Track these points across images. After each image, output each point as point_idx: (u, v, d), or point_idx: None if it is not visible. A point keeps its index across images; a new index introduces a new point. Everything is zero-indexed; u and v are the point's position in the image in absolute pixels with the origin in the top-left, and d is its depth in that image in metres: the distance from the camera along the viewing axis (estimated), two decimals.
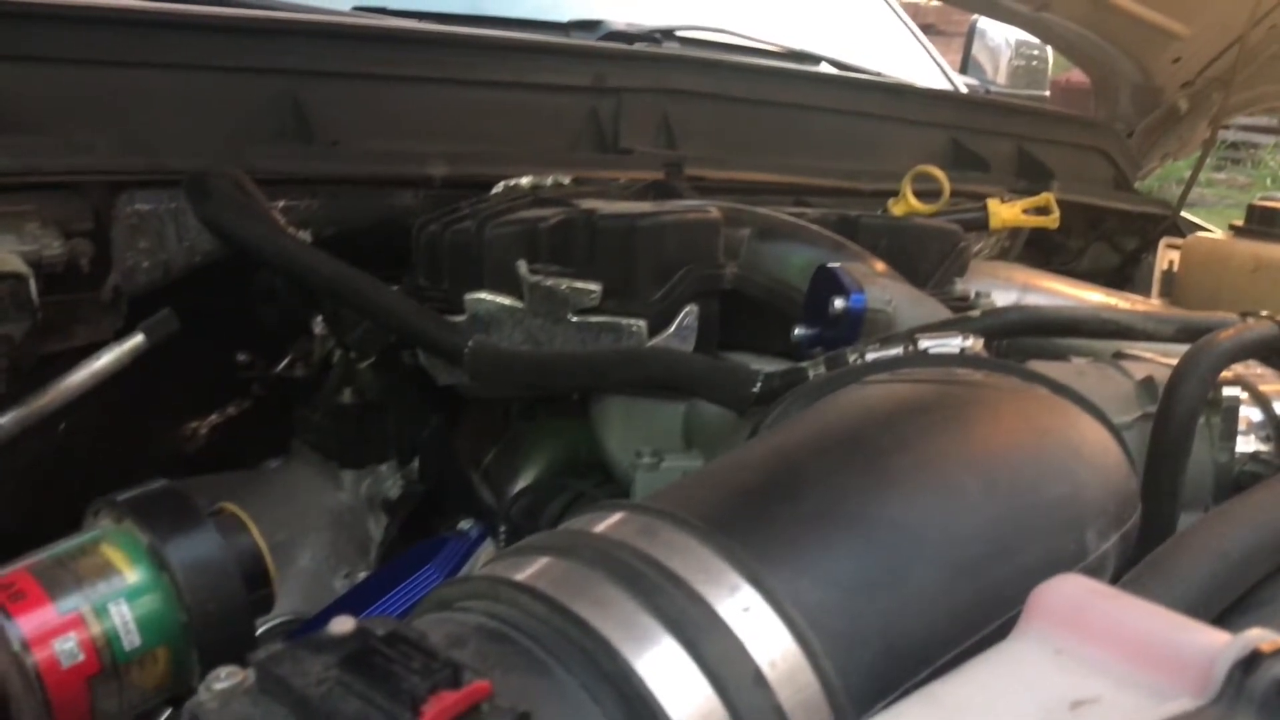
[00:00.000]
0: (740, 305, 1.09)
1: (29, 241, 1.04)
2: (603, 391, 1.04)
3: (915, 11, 3.38)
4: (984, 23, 3.20)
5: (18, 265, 1.01)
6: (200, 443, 1.44)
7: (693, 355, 1.00)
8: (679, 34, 1.81)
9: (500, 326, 1.06)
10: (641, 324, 1.03)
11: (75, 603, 0.53)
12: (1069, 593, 0.47)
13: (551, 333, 1.06)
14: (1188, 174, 2.14)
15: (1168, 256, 1.58)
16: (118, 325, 1.13)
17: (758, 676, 0.45)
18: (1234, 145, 10.61)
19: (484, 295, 1.06)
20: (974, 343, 0.75)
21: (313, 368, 1.33)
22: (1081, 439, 0.63)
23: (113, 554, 0.56)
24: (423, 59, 1.28)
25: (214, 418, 1.44)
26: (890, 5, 2.50)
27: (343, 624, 0.39)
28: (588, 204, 1.10)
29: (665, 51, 1.58)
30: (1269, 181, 10.99)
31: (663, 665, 0.44)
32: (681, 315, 1.05)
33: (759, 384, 0.89)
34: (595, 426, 1.10)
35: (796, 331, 0.99)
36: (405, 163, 1.20)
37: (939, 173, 1.29)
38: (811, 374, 0.84)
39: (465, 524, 1.11)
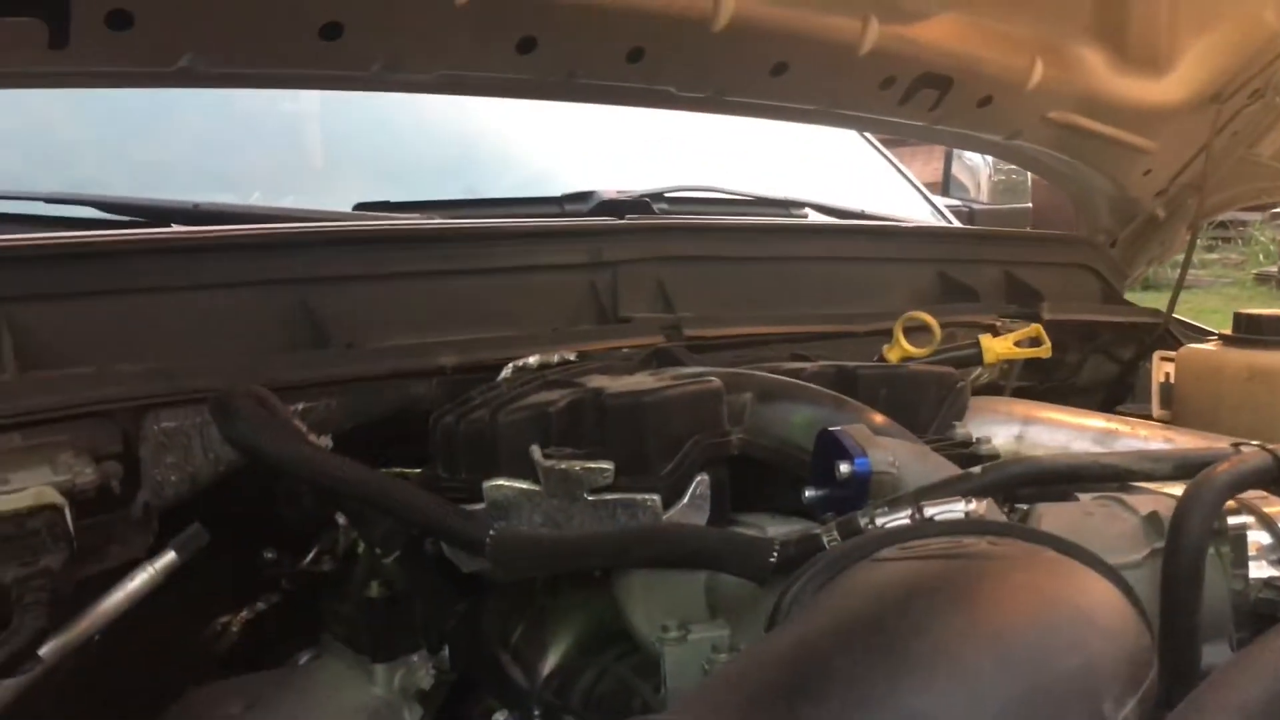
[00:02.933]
0: (749, 467, 1.12)
1: (63, 471, 1.08)
2: (625, 568, 1.06)
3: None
4: None
5: (53, 497, 1.05)
6: (231, 640, 1.45)
7: (708, 530, 1.03)
8: (668, 195, 1.89)
9: (519, 511, 1.09)
10: (655, 498, 1.06)
11: None
12: None
13: (569, 513, 1.08)
14: (1176, 272, 2.19)
15: (1163, 369, 1.62)
16: (149, 542, 1.16)
17: None
18: (1223, 224, 10.78)
19: (501, 482, 1.09)
20: (977, 505, 0.78)
21: (338, 560, 1.35)
22: (1091, 604, 0.65)
23: None
24: (428, 254, 1.34)
25: (244, 614, 1.46)
26: (867, 139, 2.60)
27: None
28: (595, 382, 1.14)
29: (656, 221, 1.66)
30: (1261, 257, 11.13)
31: None
32: (693, 485, 1.08)
33: (775, 554, 0.92)
34: (619, 601, 1.12)
35: (807, 494, 1.01)
36: (418, 356, 1.25)
37: (928, 317, 1.34)
38: (826, 540, 0.87)
39: (500, 716, 1.11)
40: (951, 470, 0.95)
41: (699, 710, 0.56)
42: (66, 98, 1.51)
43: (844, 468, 0.94)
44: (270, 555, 1.39)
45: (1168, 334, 1.98)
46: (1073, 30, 1.86)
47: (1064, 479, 0.93)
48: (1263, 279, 10.39)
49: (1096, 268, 2.05)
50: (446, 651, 1.25)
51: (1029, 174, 3.60)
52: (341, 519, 1.26)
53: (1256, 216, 10.97)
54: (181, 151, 1.64)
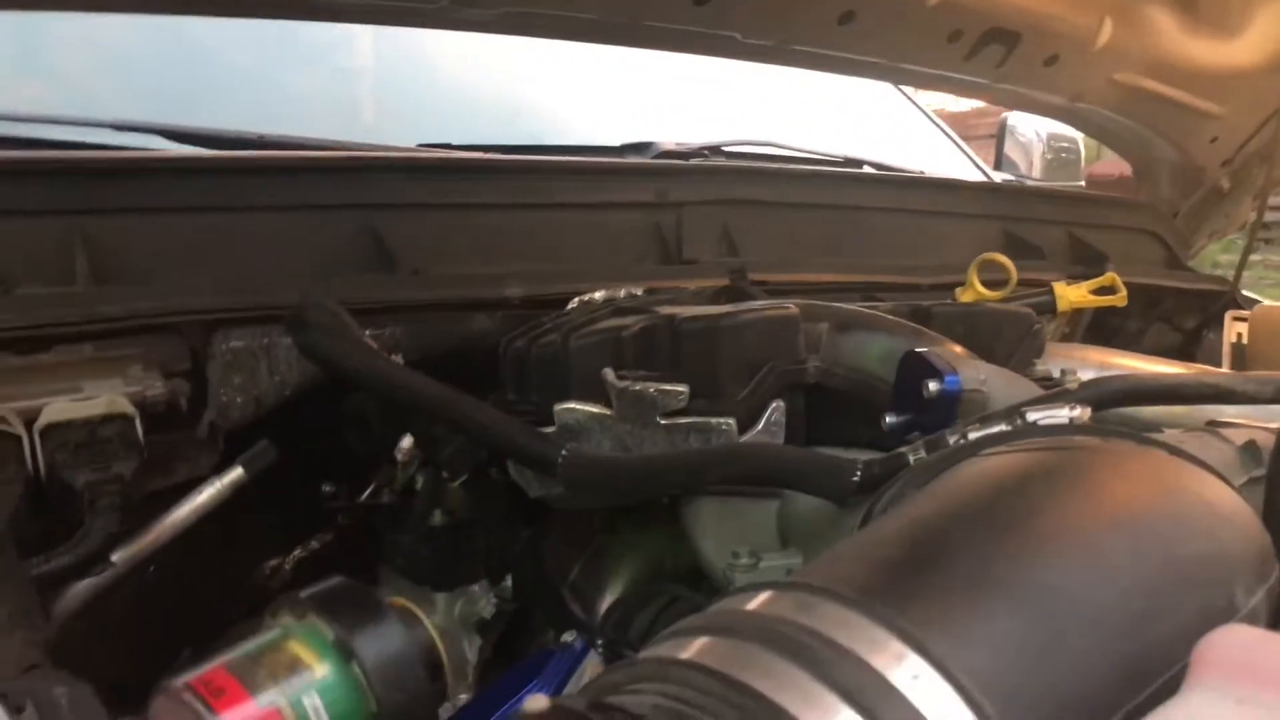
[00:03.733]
0: (825, 399, 1.10)
1: (134, 383, 1.08)
2: (699, 491, 1.04)
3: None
4: (1014, 119, 3.27)
5: (125, 406, 1.05)
6: (286, 578, 1.45)
7: (789, 448, 1.01)
8: (726, 149, 1.87)
9: (590, 435, 1.08)
10: (731, 422, 1.04)
11: (272, 697, 0.53)
12: (1241, 642, 0.47)
13: (640, 437, 1.07)
14: (1222, 257, 2.15)
15: (1235, 329, 1.58)
16: (214, 461, 1.16)
17: None
18: (1266, 225, 10.63)
19: (573, 405, 1.08)
20: (1082, 412, 0.75)
21: (397, 494, 1.34)
22: (1216, 498, 0.63)
23: (300, 649, 0.56)
24: (493, 186, 1.33)
25: (298, 552, 1.46)
26: (924, 112, 2.57)
27: (538, 701, 0.39)
28: (666, 310, 1.12)
29: (721, 164, 1.64)
30: None
31: None
32: (769, 411, 1.06)
33: (859, 473, 0.89)
34: (688, 529, 1.10)
35: (888, 419, 0.99)
36: (484, 286, 1.24)
37: (1005, 259, 1.31)
38: (912, 459, 0.84)
39: (569, 636, 1.10)
40: (1042, 393, 0.92)
41: (816, 578, 0.54)
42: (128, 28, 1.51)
43: (933, 385, 0.91)
44: (329, 489, 1.38)
45: (1233, 303, 1.94)
46: None
47: (1166, 396, 0.90)
48: None
49: (1161, 234, 2.01)
50: (508, 581, 1.24)
51: (1080, 154, 3.55)
52: (401, 453, 1.25)
53: None
54: (239, 90, 1.63)
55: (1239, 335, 1.58)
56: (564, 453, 1.04)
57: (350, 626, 0.57)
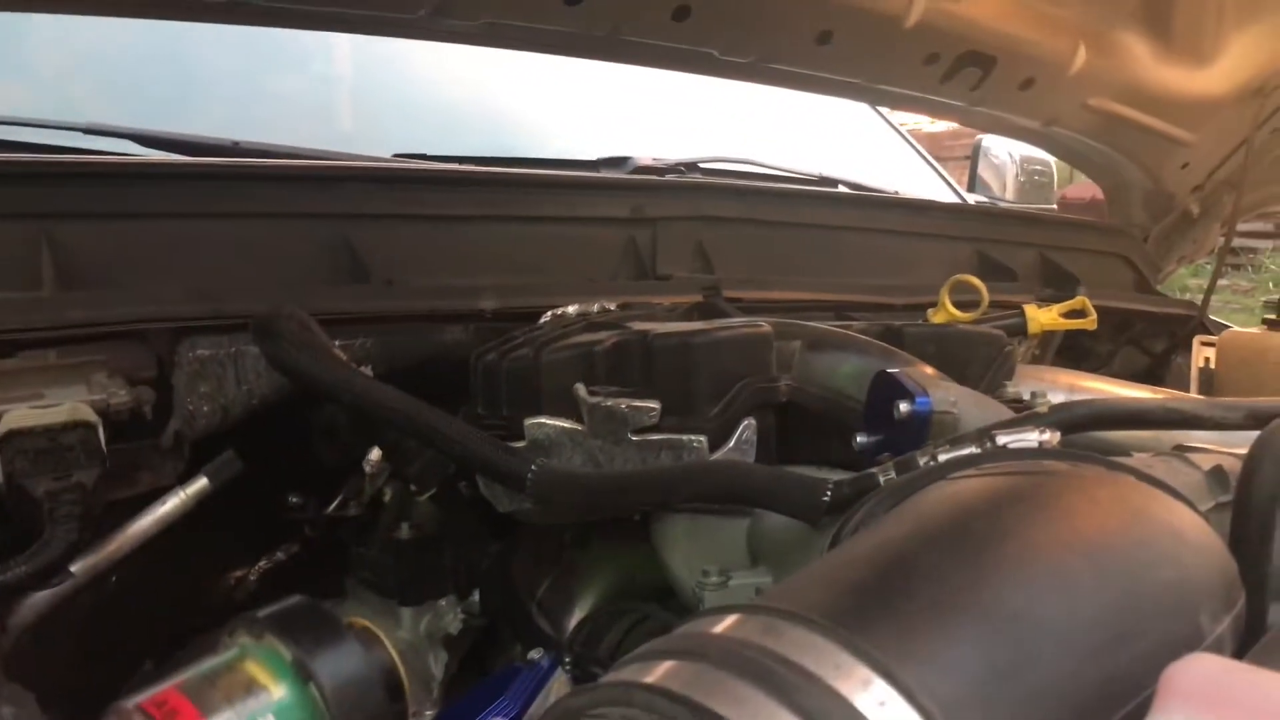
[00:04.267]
0: (797, 417, 1.10)
1: (98, 390, 1.07)
2: (670, 507, 1.04)
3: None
4: (988, 141, 3.30)
5: (88, 414, 1.03)
6: (251, 589, 1.43)
7: (760, 466, 1.01)
8: (702, 166, 1.88)
9: (560, 450, 1.07)
10: (702, 440, 1.03)
11: (226, 719, 0.52)
12: (1206, 671, 0.47)
13: (611, 453, 1.06)
14: (1191, 281, 2.18)
15: (1203, 354, 1.60)
16: (179, 470, 1.14)
17: None
18: (1234, 251, 10.75)
19: (543, 420, 1.07)
20: (1051, 436, 0.76)
21: (364, 507, 1.33)
22: (1182, 525, 0.63)
23: (256, 670, 0.55)
24: (468, 198, 1.32)
25: (263, 563, 1.44)
26: (899, 132, 2.58)
27: None
28: (640, 325, 1.12)
29: (697, 180, 1.64)
30: (1271, 285, 11.10)
31: None
32: (740, 429, 1.06)
33: (829, 494, 0.89)
34: (658, 547, 1.10)
35: (858, 439, 0.99)
36: (457, 298, 1.23)
37: (977, 281, 1.32)
38: (882, 479, 0.84)
39: (536, 653, 1.09)
40: (1012, 415, 0.93)
41: (781, 601, 0.54)
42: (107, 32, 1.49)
43: (904, 406, 0.91)
44: (296, 500, 1.37)
45: (1201, 328, 1.95)
46: (1118, 16, 1.85)
47: (1134, 421, 0.91)
48: (1272, 306, 10.34)
49: (1131, 258, 2.03)
50: (476, 596, 1.23)
51: (1053, 177, 3.58)
52: (369, 465, 1.24)
53: (1267, 244, 10.94)
54: (216, 96, 1.62)
55: (1206, 360, 1.59)
56: (533, 468, 1.03)
57: (308, 648, 0.56)
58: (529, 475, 1.03)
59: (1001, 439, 0.75)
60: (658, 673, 0.49)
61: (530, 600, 1.27)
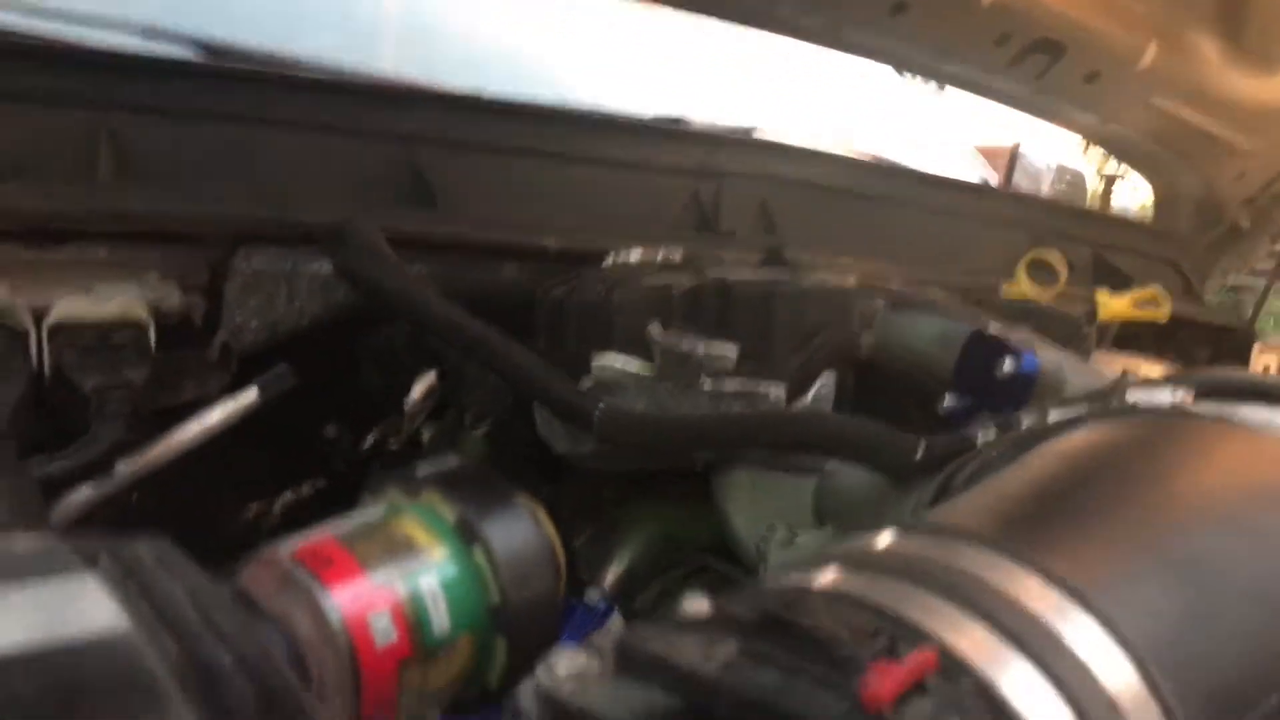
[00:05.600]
0: (874, 377, 1.06)
1: (149, 291, 1.02)
2: (744, 455, 1.00)
3: None
4: (1024, 148, 3.28)
5: (140, 313, 0.98)
6: (274, 521, 1.38)
7: (848, 418, 0.96)
8: (755, 136, 1.83)
9: (626, 392, 1.03)
10: (780, 389, 0.99)
11: (387, 576, 0.47)
12: None
13: (679, 400, 1.02)
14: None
15: (1263, 361, 1.56)
16: (224, 383, 1.10)
17: (1112, 706, 0.40)
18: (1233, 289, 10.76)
19: (612, 359, 1.03)
20: (1185, 396, 0.71)
21: (403, 445, 1.29)
22: None
23: (414, 529, 0.50)
24: (537, 133, 1.28)
25: (288, 495, 1.39)
26: (947, 130, 2.54)
27: (699, 604, 0.34)
28: (715, 272, 1.08)
29: (766, 140, 1.59)
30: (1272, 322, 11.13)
31: (1027, 693, 0.39)
32: (818, 383, 1.02)
33: (921, 451, 0.85)
34: (719, 501, 1.06)
35: (946, 402, 0.95)
36: (522, 232, 1.18)
37: (1058, 257, 1.27)
38: (982, 439, 0.80)
39: (593, 594, 1.05)
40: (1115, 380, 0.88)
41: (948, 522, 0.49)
42: None
43: (1007, 365, 0.87)
44: (333, 432, 1.32)
45: (1248, 340, 1.92)
46: (1192, 15, 1.81)
47: (1260, 394, 0.86)
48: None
49: (1181, 265, 1.99)
50: None
51: (1086, 188, 3.56)
52: (411, 402, 1.20)
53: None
54: (276, 11, 1.56)
55: (1265, 368, 1.55)
56: (601, 406, 0.99)
57: (477, 509, 0.51)
58: (596, 413, 0.98)
59: (1132, 396, 0.71)
60: (827, 578, 0.44)
61: (569, 551, 1.23)
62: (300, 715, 0.28)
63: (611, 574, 1.22)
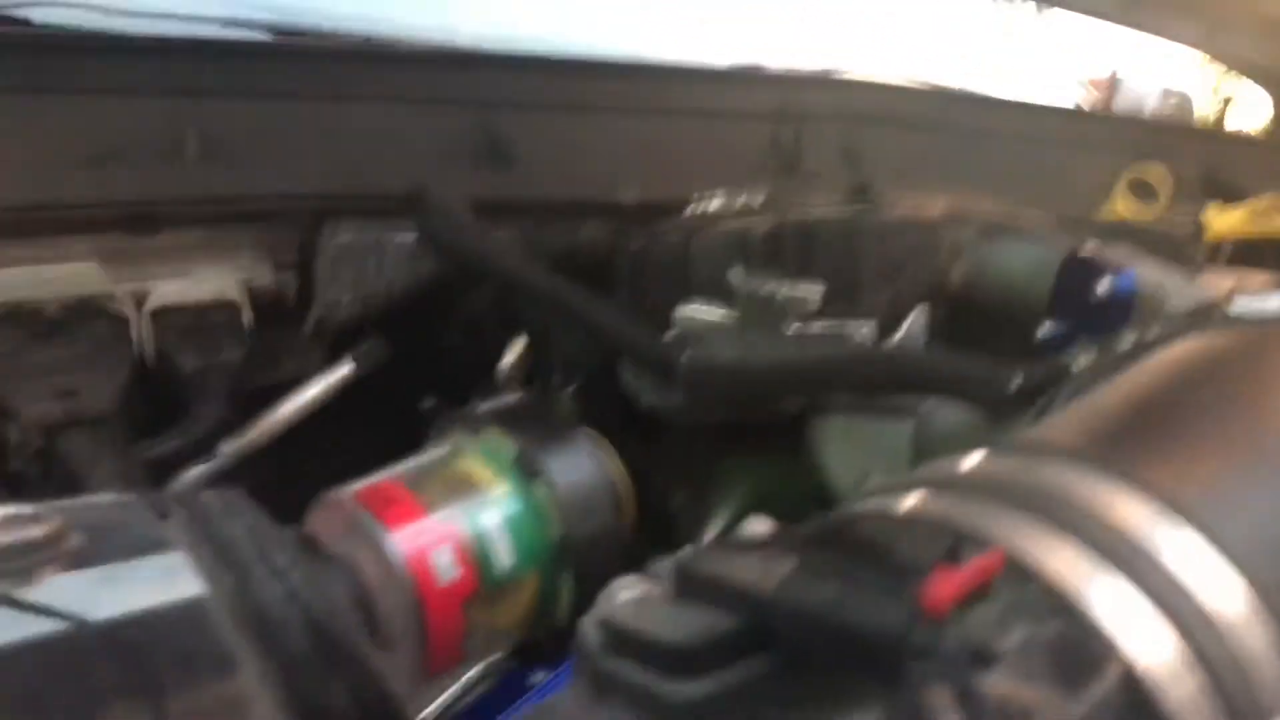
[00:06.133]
0: (967, 309, 1.02)
1: (242, 271, 1.05)
2: (837, 397, 0.98)
3: None
4: (1123, 73, 3.13)
5: (234, 293, 1.01)
6: None
7: (938, 352, 0.94)
8: (835, 76, 1.78)
9: (710, 341, 1.02)
10: (871, 327, 0.97)
11: (448, 514, 0.48)
12: None
13: (765, 345, 1.00)
14: None
15: None
16: (320, 359, 1.12)
17: (1213, 616, 0.38)
18: None
19: (695, 308, 1.02)
20: None
21: None
22: None
23: (475, 466, 0.51)
24: (608, 88, 1.27)
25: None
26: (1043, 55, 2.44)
27: (761, 525, 0.34)
28: (796, 212, 1.06)
29: (845, 78, 1.55)
30: None
31: (1108, 596, 0.37)
32: (909, 320, 0.99)
33: (1018, 380, 0.82)
34: (813, 449, 1.04)
35: (1044, 328, 0.92)
36: (599, 188, 1.18)
37: (1159, 173, 1.21)
38: (1083, 362, 0.77)
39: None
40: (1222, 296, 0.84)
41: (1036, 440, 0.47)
42: None
43: (1104, 286, 0.84)
44: (429, 402, 1.34)
45: None
46: None
47: None
48: None
49: None
50: None
51: (1193, 112, 3.38)
52: (502, 370, 1.21)
53: None
54: None
55: None
56: (686, 355, 0.98)
57: (537, 442, 0.51)
58: (681, 363, 0.98)
59: (1239, 305, 0.67)
60: (911, 502, 0.43)
61: (666, 508, 1.23)
62: (348, 646, 0.28)
63: (710, 533, 1.21)
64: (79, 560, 0.30)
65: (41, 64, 1.06)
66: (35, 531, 0.29)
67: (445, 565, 0.46)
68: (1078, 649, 0.28)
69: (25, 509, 0.31)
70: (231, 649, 0.27)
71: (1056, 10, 1.90)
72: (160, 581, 0.29)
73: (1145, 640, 0.37)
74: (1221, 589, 0.39)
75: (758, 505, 1.21)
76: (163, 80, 1.06)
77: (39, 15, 1.31)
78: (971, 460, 0.47)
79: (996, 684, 0.25)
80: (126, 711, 0.27)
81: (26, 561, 0.28)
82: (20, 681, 0.26)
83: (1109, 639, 0.36)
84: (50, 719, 0.27)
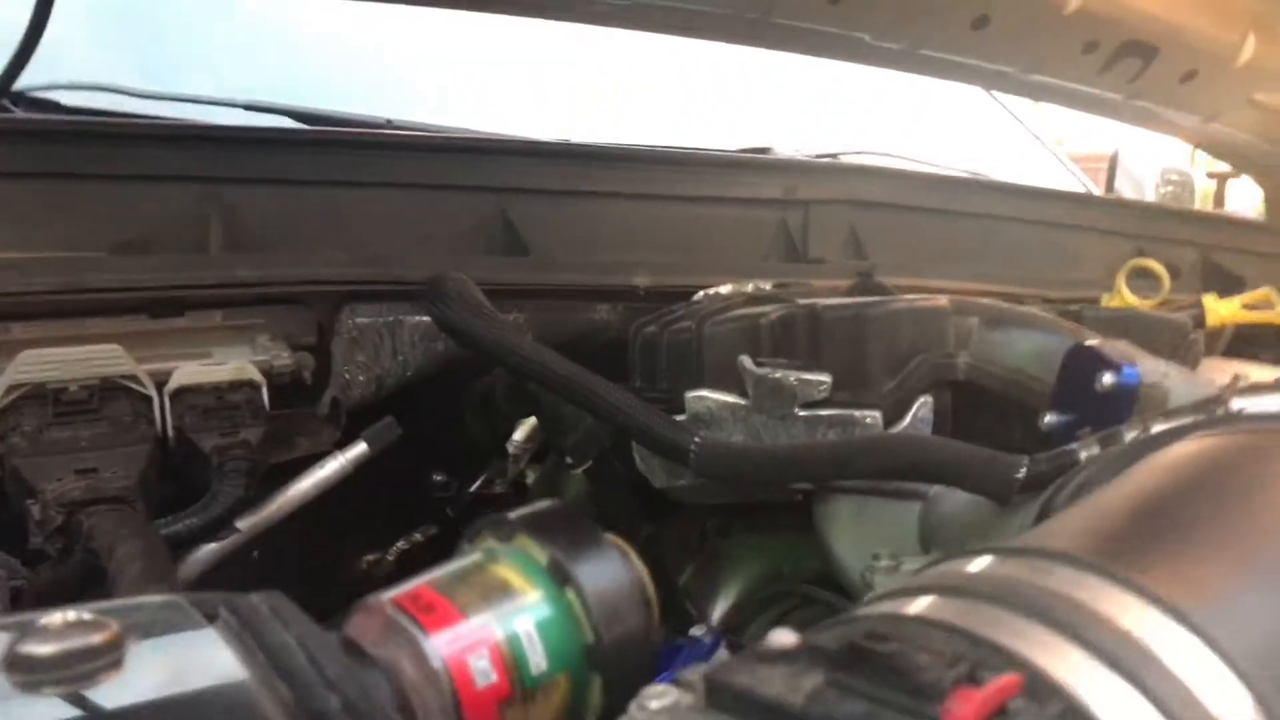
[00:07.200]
0: (973, 398, 1.04)
1: (261, 352, 1.07)
2: (843, 483, 0.99)
3: None
4: (1124, 153, 3.18)
5: (253, 374, 1.03)
6: (388, 569, 1.42)
7: (945, 440, 0.95)
8: (843, 159, 1.83)
9: (722, 425, 1.03)
10: (876, 415, 0.99)
11: (484, 619, 0.49)
12: None
13: (776, 430, 1.02)
14: None
15: None
16: (335, 438, 1.14)
17: None
18: None
19: (705, 393, 1.04)
20: None
21: (508, 487, 1.31)
22: None
23: (508, 572, 0.52)
24: (621, 175, 1.30)
25: (402, 544, 1.43)
26: (1042, 141, 2.50)
27: (786, 637, 0.35)
28: (804, 300, 1.08)
29: (851, 164, 1.59)
30: None
31: (1114, 704, 0.38)
32: (916, 406, 1.01)
33: (1024, 470, 0.84)
34: (821, 530, 1.05)
35: (1047, 419, 0.93)
36: (611, 273, 1.21)
37: (1158, 265, 1.24)
38: (1084, 455, 0.79)
39: (698, 630, 1.05)
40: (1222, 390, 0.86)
41: (1040, 544, 0.49)
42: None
43: (1108, 378, 0.86)
44: (440, 479, 1.36)
45: None
46: None
47: None
48: None
49: None
50: None
51: (1194, 191, 3.43)
52: (514, 445, 1.23)
53: None
54: (365, 75, 1.63)
55: None
56: (697, 440, 1.00)
57: (566, 550, 0.53)
58: (692, 447, 0.99)
59: (1238, 404, 0.69)
60: (920, 607, 0.44)
61: (675, 584, 1.24)
62: None
63: (718, 608, 1.22)
64: (137, 666, 0.31)
65: (70, 149, 1.10)
66: (95, 638, 0.31)
67: (482, 669, 0.47)
68: None
69: (84, 614, 0.32)
70: None
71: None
72: (218, 690, 0.31)
73: None
74: (1226, 700, 0.41)
75: (766, 582, 1.23)
76: (189, 167, 1.10)
77: (68, 99, 1.36)
78: (978, 563, 0.48)
79: None
80: None
81: (87, 669, 0.30)
82: None
83: None
84: None
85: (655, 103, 1.89)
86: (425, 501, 1.38)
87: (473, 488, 1.33)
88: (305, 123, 1.38)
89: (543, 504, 0.59)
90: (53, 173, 1.06)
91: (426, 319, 1.12)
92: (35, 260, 1.00)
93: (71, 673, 0.30)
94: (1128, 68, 1.71)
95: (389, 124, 1.39)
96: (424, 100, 1.55)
